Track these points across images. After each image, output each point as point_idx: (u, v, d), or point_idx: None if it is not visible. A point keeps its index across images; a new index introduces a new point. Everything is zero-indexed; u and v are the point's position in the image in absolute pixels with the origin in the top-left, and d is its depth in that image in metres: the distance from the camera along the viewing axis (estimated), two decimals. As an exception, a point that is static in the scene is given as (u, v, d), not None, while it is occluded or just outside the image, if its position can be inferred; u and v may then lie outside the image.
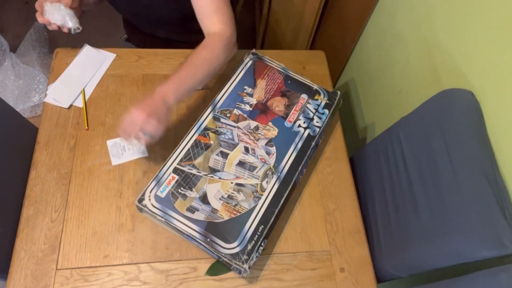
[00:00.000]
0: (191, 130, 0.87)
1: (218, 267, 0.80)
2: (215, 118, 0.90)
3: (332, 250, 0.86)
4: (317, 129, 0.93)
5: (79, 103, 0.95)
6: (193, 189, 0.80)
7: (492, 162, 0.69)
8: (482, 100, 0.74)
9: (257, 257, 0.76)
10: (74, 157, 0.88)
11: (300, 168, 0.87)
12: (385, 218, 0.88)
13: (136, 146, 0.90)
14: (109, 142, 0.91)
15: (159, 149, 0.92)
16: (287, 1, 1.52)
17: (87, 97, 0.96)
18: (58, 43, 1.90)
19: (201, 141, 0.86)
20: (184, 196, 0.79)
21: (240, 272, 0.75)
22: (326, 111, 0.96)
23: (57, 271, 0.77)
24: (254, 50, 1.02)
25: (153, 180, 0.80)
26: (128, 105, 0.96)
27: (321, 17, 1.61)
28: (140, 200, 0.78)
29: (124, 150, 0.90)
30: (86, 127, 0.92)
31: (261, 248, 0.77)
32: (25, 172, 0.86)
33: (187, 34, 1.10)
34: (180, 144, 0.85)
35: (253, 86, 0.96)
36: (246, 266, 0.74)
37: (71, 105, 0.94)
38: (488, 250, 0.61)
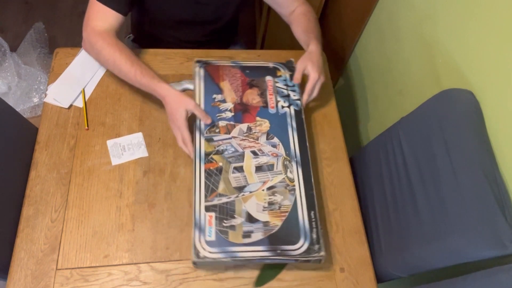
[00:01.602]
0: (195, 163, 0.82)
1: (266, 275, 0.80)
2: (208, 140, 0.85)
3: (332, 250, 0.86)
4: (299, 102, 0.94)
5: (79, 103, 0.95)
6: (235, 216, 0.78)
7: (492, 162, 0.69)
8: (482, 100, 0.74)
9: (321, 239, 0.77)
10: (74, 157, 0.88)
11: (307, 144, 0.88)
12: (385, 218, 0.88)
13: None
14: (109, 142, 0.91)
15: (158, 149, 0.92)
16: (287, 1, 1.51)
17: (87, 97, 0.96)
18: (58, 43, 1.90)
19: (211, 168, 0.82)
20: (232, 227, 0.76)
21: (320, 261, 0.76)
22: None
23: (57, 271, 0.77)
24: (197, 58, 0.97)
25: (194, 230, 0.75)
26: (128, 105, 0.97)
27: (321, 17, 1.61)
28: (197, 255, 0.73)
29: (124, 150, 0.90)
30: (86, 127, 0.92)
31: (321, 230, 0.78)
32: (25, 172, 0.86)
33: (219, 36, 1.19)
34: (194, 183, 0.80)
35: (220, 91, 0.92)
36: (322, 253, 0.75)
37: (71, 105, 0.94)
38: (488, 250, 0.61)
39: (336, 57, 1.47)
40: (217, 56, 1.05)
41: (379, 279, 0.85)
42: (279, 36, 1.69)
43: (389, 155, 0.88)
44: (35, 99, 1.66)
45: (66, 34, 1.94)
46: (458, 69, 0.81)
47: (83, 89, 0.97)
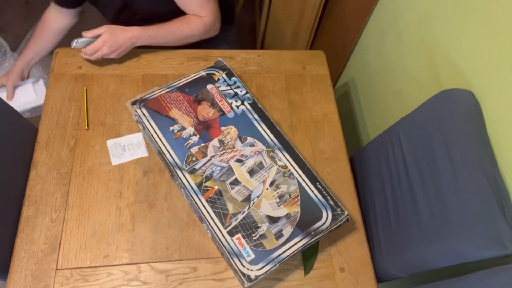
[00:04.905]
0: (194, 201, 0.81)
1: (309, 261, 0.83)
2: (192, 172, 0.83)
3: (332, 250, 0.86)
4: (249, 95, 0.95)
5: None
6: (259, 225, 0.79)
7: (492, 162, 0.69)
8: (482, 100, 0.74)
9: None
10: (74, 157, 0.88)
11: (278, 128, 0.91)
12: (385, 218, 0.88)
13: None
14: (109, 142, 0.91)
15: (159, 149, 0.92)
16: (287, 1, 1.52)
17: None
18: (59, 43, 1.90)
19: (210, 196, 0.81)
20: (263, 236, 0.78)
21: (348, 220, 0.81)
22: (234, 78, 0.98)
23: (57, 271, 0.77)
24: (129, 101, 0.92)
25: (231, 259, 0.75)
26: (128, 105, 0.97)
27: (321, 17, 1.61)
28: (249, 279, 0.73)
29: (124, 150, 0.90)
30: (86, 127, 0.92)
31: (333, 194, 0.84)
32: (25, 172, 0.86)
33: None
34: (204, 219, 0.79)
35: (174, 121, 0.89)
36: (346, 212, 0.81)
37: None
38: (488, 250, 0.61)
39: (336, 57, 1.47)
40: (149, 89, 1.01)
41: (379, 279, 0.85)
42: (279, 36, 1.69)
43: (389, 155, 0.88)
44: (35, 99, 1.66)
45: (66, 34, 1.93)
46: (458, 69, 0.81)
47: (85, 89, 0.97)
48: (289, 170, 0.86)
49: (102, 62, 1.01)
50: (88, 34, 0.93)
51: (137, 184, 0.87)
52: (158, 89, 0.94)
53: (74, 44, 0.94)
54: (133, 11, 1.03)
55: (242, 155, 0.86)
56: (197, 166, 0.84)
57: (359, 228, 0.89)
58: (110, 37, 0.92)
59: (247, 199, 0.81)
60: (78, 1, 1.06)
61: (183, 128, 0.89)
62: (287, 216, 0.80)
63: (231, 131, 0.89)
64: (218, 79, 0.97)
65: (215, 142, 0.88)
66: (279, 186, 0.83)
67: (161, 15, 1.03)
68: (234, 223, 0.79)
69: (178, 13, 1.01)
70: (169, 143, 0.87)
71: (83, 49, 0.94)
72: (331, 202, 0.82)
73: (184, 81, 0.97)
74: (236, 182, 0.83)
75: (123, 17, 1.06)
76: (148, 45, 0.98)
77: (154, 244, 0.82)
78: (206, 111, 0.92)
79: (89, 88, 0.98)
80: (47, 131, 0.91)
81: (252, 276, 0.73)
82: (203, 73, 0.98)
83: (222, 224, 0.78)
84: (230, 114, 0.92)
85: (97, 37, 0.93)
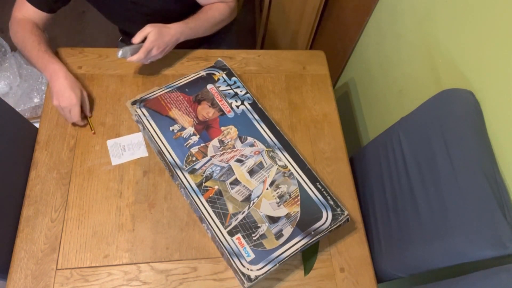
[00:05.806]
0: (194, 201, 0.80)
1: (309, 261, 0.83)
2: (192, 172, 0.83)
3: (332, 250, 0.86)
4: (249, 95, 0.95)
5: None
6: (259, 225, 0.79)
7: (492, 162, 0.69)
8: (482, 100, 0.74)
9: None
10: (74, 157, 0.88)
11: (278, 128, 0.91)
12: (385, 218, 0.88)
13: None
14: (109, 142, 0.91)
15: (159, 149, 0.92)
16: (287, 1, 1.52)
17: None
18: (58, 43, 1.90)
19: (210, 195, 0.81)
20: (263, 236, 0.77)
21: (348, 220, 0.81)
22: (234, 78, 0.98)
23: (57, 271, 0.77)
24: (129, 101, 0.92)
25: (231, 259, 0.75)
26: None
27: (321, 17, 1.61)
28: (249, 279, 0.72)
29: (124, 150, 0.90)
30: (92, 131, 0.91)
31: (333, 194, 0.84)
32: (25, 172, 0.86)
33: None
34: (204, 219, 0.79)
35: (174, 121, 0.89)
36: (346, 212, 0.81)
37: None
38: (488, 250, 0.61)
39: (336, 57, 1.47)
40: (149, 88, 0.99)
41: (379, 279, 0.85)
42: (279, 36, 1.69)
43: (389, 155, 0.88)
44: (36, 99, 1.66)
45: (66, 34, 1.94)
46: (458, 69, 0.81)
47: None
48: (289, 170, 0.86)
49: (102, 61, 1.01)
50: (137, 39, 0.90)
51: (137, 184, 0.87)
52: (158, 89, 0.95)
53: (120, 53, 0.90)
54: (140, 6, 1.01)
55: (242, 155, 0.86)
56: (197, 166, 0.84)
57: (359, 228, 0.89)
58: (158, 38, 0.90)
59: (247, 199, 0.81)
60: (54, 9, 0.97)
61: (183, 128, 0.89)
62: (287, 216, 0.80)
63: (231, 131, 0.89)
64: (218, 79, 0.97)
65: (215, 142, 0.88)
66: (279, 186, 0.83)
67: (169, 12, 1.02)
68: (234, 223, 0.79)
69: (186, 9, 1.02)
70: (169, 143, 0.87)
71: (129, 58, 0.90)
72: (331, 202, 0.82)
73: (184, 81, 0.97)
74: (236, 182, 0.83)
75: (128, 13, 1.05)
76: (188, 39, 0.98)
77: (154, 244, 0.82)
78: (206, 111, 0.92)
79: (89, 88, 0.98)
80: (47, 131, 0.91)
81: (252, 276, 0.73)
82: (203, 73, 0.98)
83: (222, 224, 0.78)
84: (230, 114, 0.92)
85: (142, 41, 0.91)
